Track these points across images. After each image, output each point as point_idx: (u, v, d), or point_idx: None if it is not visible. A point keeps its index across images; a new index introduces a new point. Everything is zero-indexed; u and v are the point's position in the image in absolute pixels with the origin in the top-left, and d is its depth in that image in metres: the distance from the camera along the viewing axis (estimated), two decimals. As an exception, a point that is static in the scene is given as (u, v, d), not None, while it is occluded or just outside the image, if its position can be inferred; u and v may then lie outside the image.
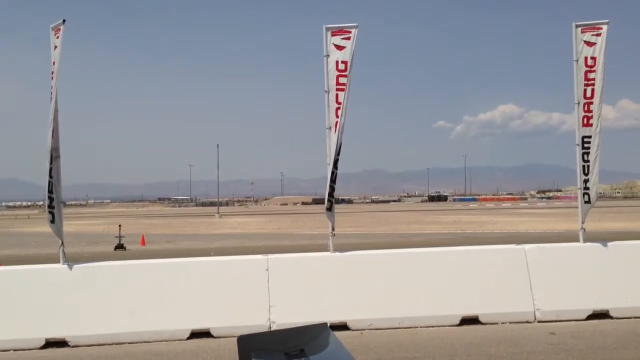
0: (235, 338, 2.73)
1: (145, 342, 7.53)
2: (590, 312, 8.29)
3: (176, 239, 30.11)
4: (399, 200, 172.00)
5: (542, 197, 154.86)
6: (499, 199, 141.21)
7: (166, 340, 7.55)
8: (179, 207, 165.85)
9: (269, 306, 7.90)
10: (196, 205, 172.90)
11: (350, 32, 8.57)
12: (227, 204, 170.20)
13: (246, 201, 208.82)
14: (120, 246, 23.19)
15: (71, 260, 8.14)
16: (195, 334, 7.68)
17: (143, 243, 25.47)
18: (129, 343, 7.49)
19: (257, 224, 47.47)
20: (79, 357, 7.05)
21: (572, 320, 8.19)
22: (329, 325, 7.53)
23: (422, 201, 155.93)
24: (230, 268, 8.41)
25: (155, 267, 8.34)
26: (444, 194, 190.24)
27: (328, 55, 8.62)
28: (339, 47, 8.56)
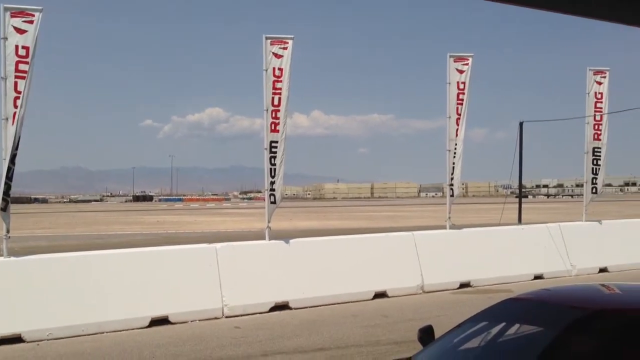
0: None
1: None
2: (272, 305, 8.95)
3: None
4: (101, 200, 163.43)
5: (244, 198, 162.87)
6: (204, 199, 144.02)
7: None
8: None
9: None
10: None
11: (33, 15, 7.79)
12: None
13: None
14: None
15: None
16: None
17: None
18: None
19: None
20: None
21: (257, 313, 8.75)
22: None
23: (126, 201, 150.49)
24: None
25: None
26: (150, 194, 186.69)
27: (6, 38, 7.71)
28: (20, 31, 7.70)
